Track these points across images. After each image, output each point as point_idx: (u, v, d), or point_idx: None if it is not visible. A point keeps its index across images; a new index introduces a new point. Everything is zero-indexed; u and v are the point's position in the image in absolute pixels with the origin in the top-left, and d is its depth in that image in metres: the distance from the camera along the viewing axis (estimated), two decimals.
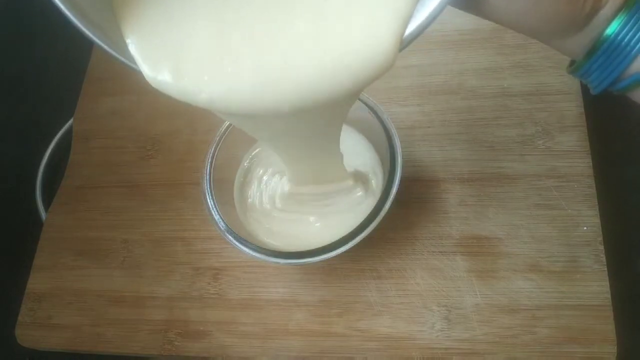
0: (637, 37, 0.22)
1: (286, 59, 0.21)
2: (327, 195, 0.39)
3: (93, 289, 0.49)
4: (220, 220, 0.38)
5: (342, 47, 0.21)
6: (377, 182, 0.41)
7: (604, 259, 0.41)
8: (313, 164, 0.36)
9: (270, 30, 0.21)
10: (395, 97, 0.50)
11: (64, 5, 0.20)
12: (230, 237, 0.38)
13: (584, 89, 0.46)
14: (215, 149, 0.41)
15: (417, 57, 0.51)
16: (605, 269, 0.40)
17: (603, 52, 0.23)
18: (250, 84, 0.21)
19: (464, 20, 0.51)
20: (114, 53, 0.22)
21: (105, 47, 0.22)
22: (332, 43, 0.21)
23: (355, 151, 0.42)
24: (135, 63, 0.22)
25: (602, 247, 0.41)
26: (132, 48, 0.22)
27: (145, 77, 0.22)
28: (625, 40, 0.22)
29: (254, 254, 0.37)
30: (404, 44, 0.21)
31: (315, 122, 0.28)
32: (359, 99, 0.40)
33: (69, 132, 0.59)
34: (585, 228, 0.42)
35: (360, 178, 0.40)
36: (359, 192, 0.39)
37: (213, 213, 0.39)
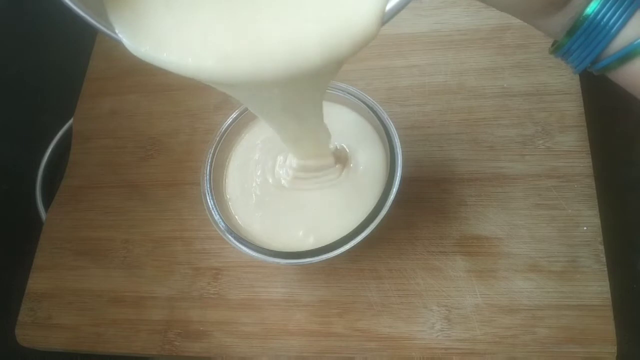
0: (616, 15, 0.22)
1: (272, 30, 0.22)
2: (318, 171, 0.40)
3: (93, 289, 0.49)
4: (220, 220, 0.38)
5: (329, 18, 0.22)
6: (361, 159, 0.41)
7: (604, 259, 0.41)
8: (301, 137, 0.36)
9: (256, 4, 0.23)
10: (396, 97, 0.50)
11: None
12: (230, 237, 0.38)
13: (584, 89, 0.46)
14: (215, 149, 0.41)
15: (417, 57, 0.51)
16: (605, 269, 0.40)
17: (583, 31, 0.23)
18: (237, 56, 0.22)
19: (464, 20, 0.51)
20: (97, 24, 0.23)
21: (91, 19, 0.22)
22: (320, 15, 0.22)
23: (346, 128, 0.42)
24: (115, 32, 0.23)
25: (602, 247, 0.41)
26: (117, 24, 0.23)
27: (128, 47, 0.23)
28: (605, 19, 0.23)
29: (254, 254, 0.37)
30: (387, 18, 0.22)
31: (298, 91, 0.28)
32: (359, 99, 0.40)
33: (69, 132, 0.59)
34: (585, 228, 0.42)
35: (340, 156, 0.40)
36: (337, 170, 0.40)
37: (213, 213, 0.39)
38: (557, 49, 0.25)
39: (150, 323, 0.46)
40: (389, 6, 0.22)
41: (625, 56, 0.23)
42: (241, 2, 0.23)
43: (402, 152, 0.37)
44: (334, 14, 0.22)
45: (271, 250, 0.37)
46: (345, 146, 0.41)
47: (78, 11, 0.22)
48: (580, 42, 0.24)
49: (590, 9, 0.23)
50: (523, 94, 0.48)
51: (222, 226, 0.38)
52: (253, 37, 0.22)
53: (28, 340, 0.49)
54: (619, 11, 0.22)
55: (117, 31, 0.23)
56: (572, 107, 0.46)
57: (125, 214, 0.52)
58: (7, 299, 0.51)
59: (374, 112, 0.39)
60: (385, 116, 0.39)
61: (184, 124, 0.54)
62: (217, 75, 0.23)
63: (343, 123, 0.42)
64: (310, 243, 0.37)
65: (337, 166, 0.40)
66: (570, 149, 0.45)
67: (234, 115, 0.42)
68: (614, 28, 0.23)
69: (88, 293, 0.49)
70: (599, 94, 0.45)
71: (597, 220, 0.42)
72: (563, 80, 0.47)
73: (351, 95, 0.40)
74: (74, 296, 0.49)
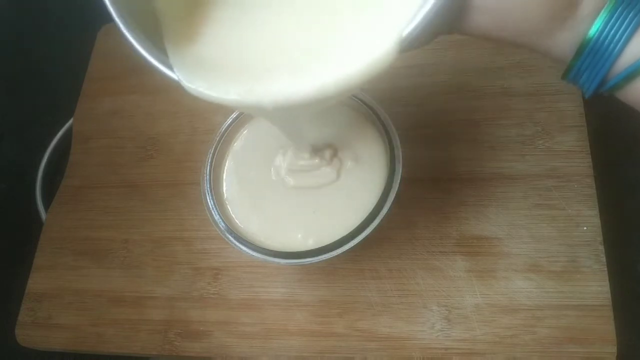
0: (619, 34, 0.23)
1: (301, 66, 0.25)
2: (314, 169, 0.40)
3: (93, 289, 0.49)
4: (220, 220, 0.38)
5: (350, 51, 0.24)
6: (361, 159, 0.41)
7: (604, 259, 0.41)
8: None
9: (286, 43, 0.26)
10: (396, 97, 0.50)
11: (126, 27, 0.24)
12: (230, 237, 0.38)
13: None
14: (215, 149, 0.41)
15: (417, 57, 0.51)
16: (605, 269, 0.40)
17: (589, 51, 0.24)
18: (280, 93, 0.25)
19: None
20: (160, 67, 0.25)
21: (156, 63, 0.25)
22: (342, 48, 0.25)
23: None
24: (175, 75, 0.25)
25: (602, 247, 0.41)
26: (177, 68, 0.25)
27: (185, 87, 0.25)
28: (609, 38, 0.23)
29: (254, 254, 0.37)
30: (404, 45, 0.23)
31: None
32: (359, 99, 0.40)
33: (69, 132, 0.59)
34: (585, 228, 0.42)
35: (319, 152, 0.40)
36: (333, 169, 0.40)
37: (213, 213, 0.39)
38: (568, 71, 0.26)
39: (150, 323, 0.46)
40: (406, 31, 0.23)
41: (632, 73, 0.23)
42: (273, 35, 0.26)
43: (402, 152, 0.37)
44: (354, 44, 0.24)
45: (271, 250, 0.37)
46: (335, 144, 0.42)
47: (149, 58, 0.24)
48: (589, 62, 0.24)
49: (595, 28, 0.23)
50: (523, 94, 0.48)
51: (222, 226, 0.38)
52: (291, 71, 0.25)
53: (28, 340, 0.49)
54: (620, 31, 0.23)
55: (175, 69, 0.25)
56: (572, 107, 0.46)
57: (125, 214, 0.52)
58: (7, 299, 0.51)
59: (374, 112, 0.39)
60: (385, 116, 0.39)
61: (184, 124, 0.54)
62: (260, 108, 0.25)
63: (343, 123, 0.42)
64: (309, 245, 0.37)
65: (332, 163, 0.40)
66: (570, 149, 0.45)
67: (234, 115, 0.42)
68: (618, 46, 0.23)
69: (88, 293, 0.49)
70: (592, 97, 0.45)
71: (597, 220, 0.42)
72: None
73: (351, 95, 0.40)
74: (74, 296, 0.49)
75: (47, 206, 0.56)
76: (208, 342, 0.44)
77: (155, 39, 0.26)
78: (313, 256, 0.36)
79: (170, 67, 0.25)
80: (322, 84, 0.24)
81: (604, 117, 0.47)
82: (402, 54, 0.23)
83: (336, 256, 0.35)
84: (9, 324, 0.49)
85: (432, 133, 0.48)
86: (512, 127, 0.46)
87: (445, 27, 0.25)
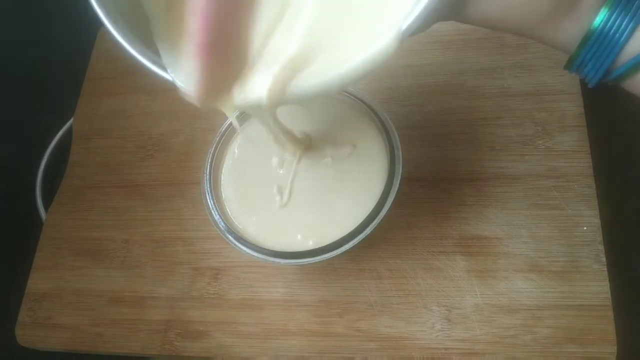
0: (624, 24, 0.23)
1: (309, 66, 0.25)
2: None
3: (93, 289, 0.49)
4: (220, 220, 0.38)
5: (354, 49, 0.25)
6: (361, 159, 0.41)
7: (604, 259, 0.41)
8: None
9: (283, 39, 0.26)
10: (396, 97, 0.50)
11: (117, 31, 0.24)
12: (230, 237, 0.38)
13: (584, 89, 0.46)
14: (215, 149, 0.41)
15: (418, 57, 0.51)
16: (605, 269, 0.40)
17: (595, 40, 0.23)
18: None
19: None
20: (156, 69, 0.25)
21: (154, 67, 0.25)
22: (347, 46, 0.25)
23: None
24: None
25: (602, 247, 0.41)
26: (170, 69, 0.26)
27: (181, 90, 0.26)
28: (614, 28, 0.23)
29: (254, 254, 0.37)
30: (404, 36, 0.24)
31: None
32: (359, 99, 0.40)
33: (69, 132, 0.59)
34: (585, 228, 0.42)
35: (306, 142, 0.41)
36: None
37: (213, 213, 0.39)
38: (572, 62, 0.25)
39: (150, 323, 0.46)
40: (404, 25, 0.23)
41: (637, 64, 0.23)
42: (272, 32, 0.26)
43: (402, 152, 0.37)
44: (355, 39, 0.24)
45: (271, 250, 0.37)
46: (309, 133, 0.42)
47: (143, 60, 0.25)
48: (593, 52, 0.24)
49: (599, 18, 0.23)
50: (523, 94, 0.48)
51: (222, 226, 0.38)
52: (291, 72, 0.25)
53: (28, 340, 0.49)
54: (626, 20, 0.22)
55: (168, 69, 0.25)
56: (572, 107, 0.46)
57: (125, 214, 0.52)
58: (7, 299, 0.51)
59: (374, 112, 0.39)
60: (385, 116, 0.39)
61: (184, 124, 0.54)
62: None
63: (343, 122, 0.42)
64: (310, 246, 0.37)
65: (332, 163, 0.40)
66: (570, 149, 0.45)
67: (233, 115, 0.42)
68: (624, 36, 0.23)
69: (88, 293, 0.49)
70: (599, 94, 0.45)
71: (597, 220, 0.42)
72: (563, 80, 0.47)
73: (351, 95, 0.40)
74: (74, 296, 0.49)
75: (47, 206, 0.56)
76: (208, 342, 0.44)
77: (149, 39, 0.26)
78: (313, 256, 0.36)
79: (163, 68, 0.25)
80: (323, 78, 0.24)
81: (604, 117, 0.47)
82: (402, 43, 0.24)
83: (336, 256, 0.35)
84: (9, 324, 0.49)
85: (432, 133, 0.48)
86: (512, 127, 0.47)
87: (445, 15, 0.25)
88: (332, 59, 0.25)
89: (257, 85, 0.25)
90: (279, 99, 0.25)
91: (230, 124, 0.42)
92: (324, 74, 0.24)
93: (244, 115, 0.42)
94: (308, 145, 0.41)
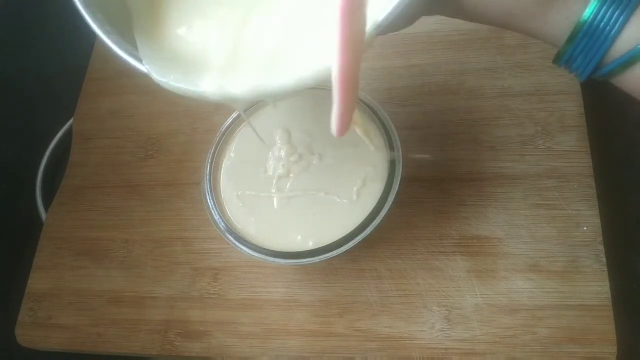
0: (614, 17, 0.22)
1: (278, 54, 0.25)
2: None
3: (93, 289, 0.49)
4: (220, 220, 0.38)
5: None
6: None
7: (604, 259, 0.41)
8: None
9: (259, 33, 0.26)
10: (396, 97, 0.50)
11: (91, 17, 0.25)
12: (230, 237, 0.38)
13: (584, 89, 0.46)
14: (215, 149, 0.41)
15: (417, 57, 0.51)
16: (605, 269, 0.40)
17: (584, 35, 0.23)
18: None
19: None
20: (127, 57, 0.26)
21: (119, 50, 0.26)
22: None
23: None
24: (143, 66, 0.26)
25: (602, 247, 0.41)
26: (146, 60, 0.26)
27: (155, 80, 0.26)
28: (604, 21, 0.22)
29: (254, 254, 0.37)
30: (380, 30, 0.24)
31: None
32: (360, 99, 0.40)
33: (69, 132, 0.59)
34: (585, 228, 0.42)
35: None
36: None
37: (213, 213, 0.39)
38: (561, 55, 0.24)
39: (150, 323, 0.46)
40: (380, 17, 0.23)
41: (629, 60, 0.22)
42: (245, 27, 0.26)
43: (402, 152, 0.37)
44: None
45: (271, 250, 0.37)
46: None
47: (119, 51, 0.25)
48: (582, 47, 0.23)
49: (589, 10, 0.22)
50: (523, 94, 0.48)
51: (222, 226, 0.38)
52: (263, 63, 0.25)
53: (28, 340, 0.49)
54: (617, 13, 0.21)
55: (144, 62, 0.26)
56: (572, 107, 0.46)
57: (125, 214, 0.52)
58: (7, 299, 0.51)
59: (374, 112, 0.39)
60: (385, 116, 0.39)
61: (183, 124, 0.54)
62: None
63: None
64: (310, 246, 0.37)
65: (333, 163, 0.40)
66: (570, 148, 0.45)
67: (233, 115, 0.43)
68: (614, 29, 0.22)
69: (88, 293, 0.49)
70: (599, 94, 0.45)
71: (597, 220, 0.42)
72: (563, 80, 0.47)
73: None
74: (74, 296, 0.49)
75: (47, 206, 0.56)
76: (208, 342, 0.44)
77: (128, 33, 0.27)
78: (313, 256, 0.36)
79: (139, 59, 0.26)
80: (298, 74, 0.24)
81: (604, 117, 0.47)
82: (381, 35, 0.24)
83: (336, 256, 0.35)
84: (9, 324, 0.49)
85: (432, 133, 0.48)
86: (512, 127, 0.46)
87: (428, 9, 0.25)
88: (305, 54, 0.25)
89: (232, 81, 0.25)
90: (252, 95, 0.25)
91: (230, 124, 0.42)
92: (299, 70, 0.24)
93: (247, 113, 0.42)
94: (308, 144, 0.41)
